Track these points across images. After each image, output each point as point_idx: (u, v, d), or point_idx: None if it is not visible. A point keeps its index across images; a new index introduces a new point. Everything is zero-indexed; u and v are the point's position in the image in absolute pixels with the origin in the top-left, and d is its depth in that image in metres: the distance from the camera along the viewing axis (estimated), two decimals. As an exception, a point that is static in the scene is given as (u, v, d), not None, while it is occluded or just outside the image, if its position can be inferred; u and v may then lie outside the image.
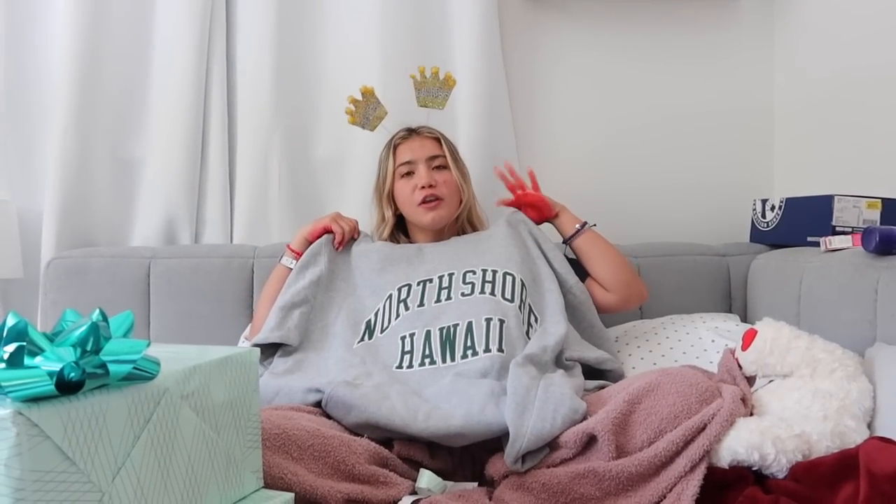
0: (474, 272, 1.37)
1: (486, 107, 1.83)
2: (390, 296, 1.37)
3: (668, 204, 1.96)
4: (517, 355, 1.18)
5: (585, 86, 1.96)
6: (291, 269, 1.45)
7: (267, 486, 0.86)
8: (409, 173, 1.49)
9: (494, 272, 1.36)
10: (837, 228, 1.49)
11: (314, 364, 1.29)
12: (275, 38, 1.79)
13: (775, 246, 1.73)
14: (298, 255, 1.46)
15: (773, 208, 1.73)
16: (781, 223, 1.69)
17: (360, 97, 1.58)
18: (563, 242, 1.51)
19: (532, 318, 1.33)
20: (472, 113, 1.82)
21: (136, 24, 1.78)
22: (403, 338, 1.28)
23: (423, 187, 1.45)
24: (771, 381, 1.16)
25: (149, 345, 0.64)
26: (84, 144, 1.73)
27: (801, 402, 1.05)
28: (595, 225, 1.52)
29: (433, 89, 1.61)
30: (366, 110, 1.59)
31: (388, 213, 1.52)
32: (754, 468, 0.96)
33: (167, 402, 0.68)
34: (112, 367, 0.59)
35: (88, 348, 0.59)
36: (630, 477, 0.95)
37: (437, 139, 1.53)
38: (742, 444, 0.94)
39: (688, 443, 0.95)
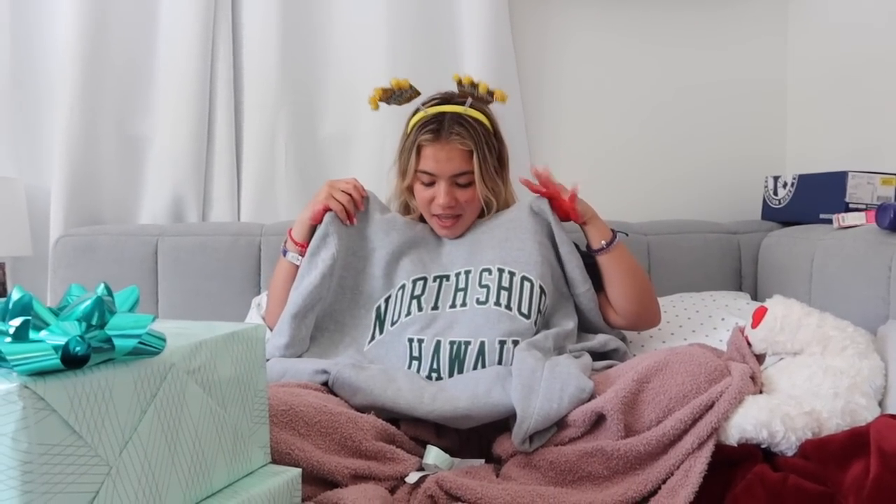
0: (490, 271, 1.27)
1: (494, 83, 1.79)
2: (403, 286, 1.29)
3: (679, 181, 1.94)
4: None
5: (596, 65, 1.93)
6: (299, 265, 1.33)
7: (274, 461, 0.86)
8: (430, 183, 1.32)
9: (512, 275, 1.26)
10: (851, 205, 1.47)
11: (324, 355, 1.27)
12: (281, 15, 1.77)
13: (787, 223, 1.71)
14: (303, 246, 1.33)
15: (785, 185, 1.70)
16: (794, 200, 1.67)
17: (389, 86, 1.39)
18: (588, 252, 1.36)
19: (545, 328, 1.27)
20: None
21: (141, 1, 1.76)
22: (412, 340, 1.22)
23: (440, 204, 1.30)
24: (781, 358, 1.15)
25: (154, 319, 0.64)
26: (91, 122, 1.72)
27: (812, 380, 1.04)
28: (626, 235, 1.42)
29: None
30: (396, 97, 1.41)
31: (405, 193, 1.38)
32: (763, 446, 0.95)
33: (173, 377, 0.67)
34: (117, 342, 0.59)
35: (94, 322, 0.59)
36: (638, 455, 0.95)
37: (470, 150, 1.29)
38: (750, 421, 0.94)
39: (695, 420, 0.94)
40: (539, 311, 1.24)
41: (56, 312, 0.61)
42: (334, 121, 1.84)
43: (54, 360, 0.55)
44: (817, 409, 0.98)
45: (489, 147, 1.30)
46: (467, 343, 1.19)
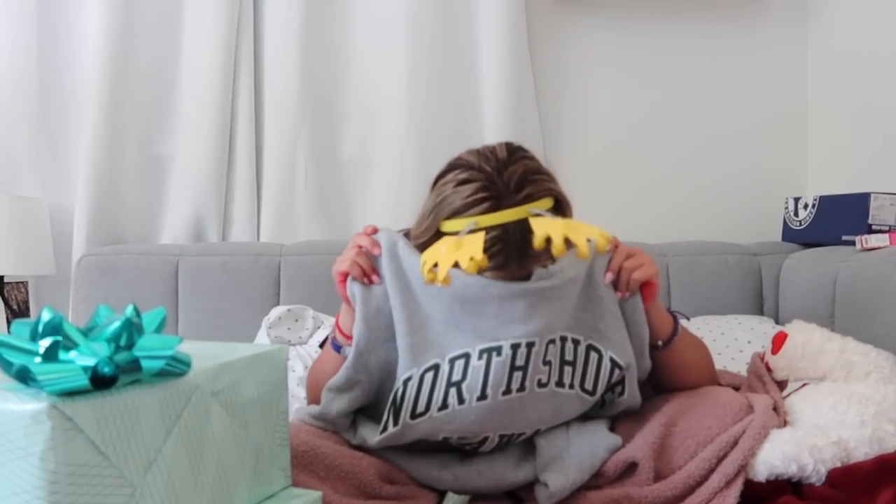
0: (554, 341, 0.96)
1: (513, 103, 1.82)
2: (437, 366, 0.95)
3: (698, 202, 1.93)
4: None
5: (614, 82, 1.94)
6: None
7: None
8: None
9: (576, 344, 0.98)
10: (874, 227, 1.46)
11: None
12: (302, 37, 1.80)
13: (808, 245, 1.70)
14: (350, 337, 1.01)
15: (806, 206, 1.69)
16: (815, 221, 1.66)
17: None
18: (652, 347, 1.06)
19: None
20: (498, 110, 1.81)
21: (165, 22, 1.79)
22: (448, 438, 0.99)
23: None
24: (804, 384, 1.13)
25: (181, 341, 0.64)
26: (114, 142, 1.75)
27: (837, 408, 1.02)
28: (688, 319, 1.19)
29: None
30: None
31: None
32: (793, 480, 0.93)
33: (198, 398, 0.68)
34: (145, 363, 0.60)
35: (122, 343, 0.59)
36: (665, 501, 0.93)
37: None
38: (778, 456, 0.92)
39: (720, 459, 0.93)
40: (608, 384, 1.00)
41: (85, 333, 0.61)
42: (354, 142, 1.86)
43: (83, 381, 0.56)
44: (844, 439, 0.97)
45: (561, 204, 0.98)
46: (520, 434, 1.00)
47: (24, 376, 0.57)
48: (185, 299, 1.64)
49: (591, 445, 0.98)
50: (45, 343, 0.58)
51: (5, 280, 1.73)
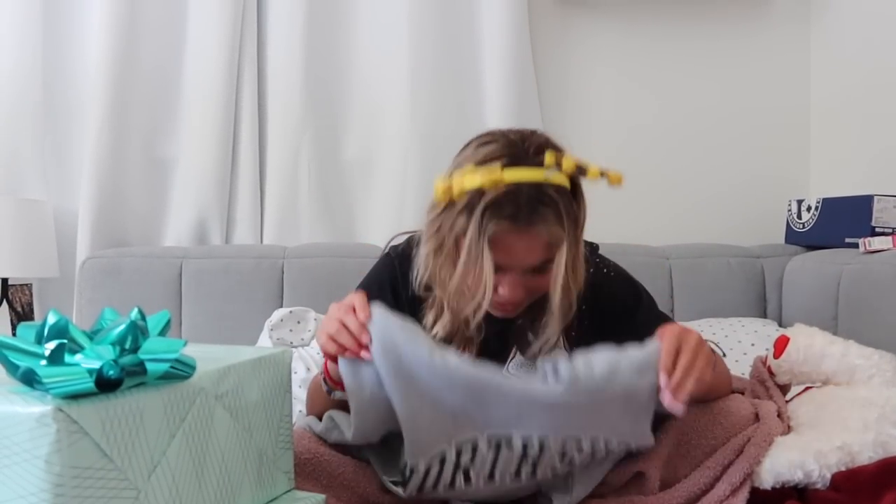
0: (579, 442, 0.90)
1: (516, 105, 1.82)
2: (443, 455, 0.89)
3: (701, 204, 1.93)
4: None
5: (617, 84, 1.94)
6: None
7: None
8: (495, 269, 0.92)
9: (607, 445, 0.91)
10: (877, 229, 1.46)
11: None
12: (305, 39, 1.80)
13: (811, 247, 1.70)
14: (338, 384, 0.94)
15: (809, 209, 1.69)
16: (818, 224, 1.66)
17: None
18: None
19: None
20: (500, 112, 1.81)
21: (169, 25, 1.80)
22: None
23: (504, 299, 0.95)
24: (807, 388, 1.13)
25: (185, 344, 0.64)
26: (118, 145, 1.75)
27: (840, 412, 1.02)
28: (724, 355, 1.09)
29: None
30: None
31: (446, 312, 0.97)
32: (799, 486, 0.93)
33: (202, 401, 0.68)
34: (150, 366, 0.60)
35: (127, 347, 0.60)
36: None
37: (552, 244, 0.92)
38: (783, 464, 0.92)
39: (726, 467, 0.93)
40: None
41: (90, 336, 0.61)
42: (357, 143, 1.86)
43: (88, 384, 0.56)
44: (848, 443, 0.96)
45: (576, 225, 0.94)
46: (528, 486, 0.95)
47: (29, 379, 0.57)
48: (189, 301, 1.64)
49: (597, 461, 0.96)
50: (50, 346, 0.58)
51: (9, 282, 1.74)
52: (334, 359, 0.89)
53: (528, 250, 0.92)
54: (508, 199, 0.89)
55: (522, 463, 0.89)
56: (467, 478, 0.89)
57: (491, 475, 0.89)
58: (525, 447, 0.88)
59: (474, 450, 0.89)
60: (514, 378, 0.92)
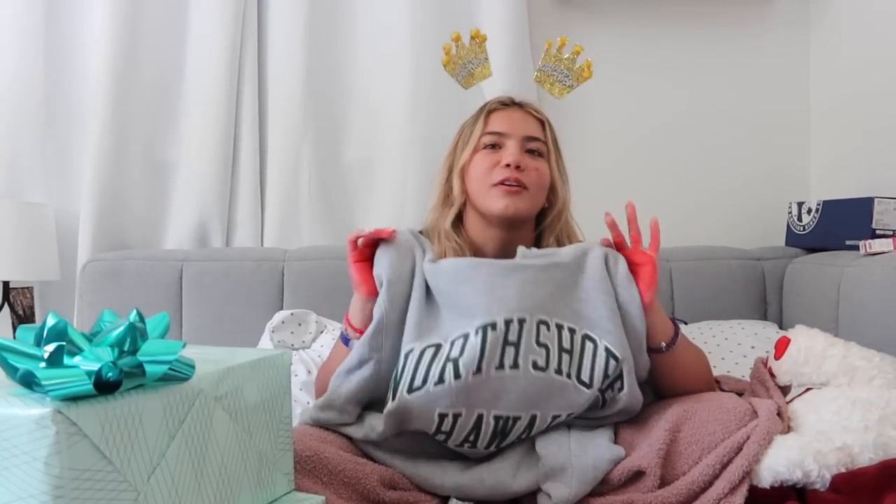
0: (548, 325, 1.00)
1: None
2: (438, 346, 1.00)
3: (702, 207, 1.93)
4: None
5: (616, 86, 1.94)
6: None
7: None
8: (496, 146, 1.14)
9: (572, 333, 1.02)
10: (878, 231, 1.46)
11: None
12: (305, 42, 1.81)
13: (812, 250, 1.69)
14: (360, 331, 1.09)
15: (809, 211, 1.69)
16: (818, 226, 1.66)
17: (466, 41, 1.24)
18: (655, 350, 1.08)
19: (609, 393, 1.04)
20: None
21: (170, 30, 1.81)
22: (444, 416, 0.98)
23: (507, 165, 1.11)
24: (807, 389, 1.13)
25: (184, 346, 0.64)
26: (119, 148, 1.76)
27: (840, 413, 1.02)
28: (685, 324, 1.23)
29: (561, 71, 1.26)
30: (468, 60, 1.23)
31: (457, 190, 1.15)
32: (798, 486, 0.93)
33: (201, 403, 0.68)
34: (148, 368, 0.60)
35: (126, 349, 0.60)
36: None
37: (543, 122, 1.19)
38: (782, 462, 0.92)
39: (725, 465, 0.93)
40: (606, 376, 1.01)
41: (90, 338, 0.62)
42: (358, 146, 1.86)
43: (87, 386, 0.56)
44: (848, 444, 0.96)
45: (557, 141, 1.21)
46: (516, 418, 0.99)
47: (28, 381, 0.57)
48: (189, 304, 1.64)
49: (594, 458, 0.97)
50: (49, 348, 0.58)
51: (11, 286, 1.74)
52: (360, 259, 1.10)
53: (523, 119, 1.17)
54: (508, 97, 1.22)
55: (505, 352, 0.97)
56: (457, 373, 0.96)
57: (478, 367, 0.96)
58: (506, 331, 0.98)
59: (465, 343, 0.98)
60: (487, 262, 1.06)
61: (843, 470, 0.93)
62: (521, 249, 1.07)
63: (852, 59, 1.80)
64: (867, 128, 1.74)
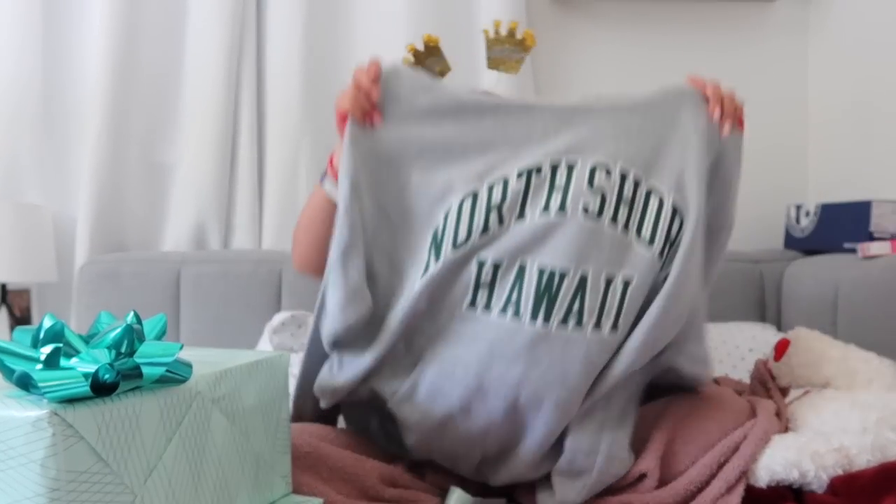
0: (609, 171, 0.90)
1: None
2: (475, 194, 0.90)
3: (699, 210, 1.93)
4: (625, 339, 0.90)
5: (614, 88, 1.94)
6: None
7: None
8: None
9: (637, 184, 0.90)
10: (875, 234, 1.46)
11: (385, 310, 0.94)
12: (304, 45, 1.81)
13: (810, 252, 1.70)
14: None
15: (807, 214, 1.69)
16: (817, 229, 1.66)
17: (421, 48, 1.26)
18: None
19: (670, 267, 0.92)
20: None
21: (168, 31, 1.80)
22: (483, 264, 0.89)
23: None
24: (806, 391, 1.13)
25: (181, 348, 0.64)
26: (117, 150, 1.76)
27: (839, 415, 1.02)
28: None
29: (507, 49, 1.27)
30: (427, 64, 1.26)
31: None
32: (795, 486, 0.93)
33: (198, 405, 0.68)
34: (145, 370, 0.60)
35: (123, 350, 0.60)
36: None
37: None
38: (779, 462, 0.92)
39: (722, 465, 0.93)
40: (667, 240, 0.91)
41: (86, 340, 0.61)
42: (355, 149, 1.86)
43: (84, 388, 0.56)
44: (846, 446, 0.96)
45: None
46: (563, 274, 0.87)
47: (25, 383, 0.57)
48: (187, 307, 1.64)
49: (615, 476, 0.94)
50: (46, 350, 0.58)
51: (8, 287, 1.74)
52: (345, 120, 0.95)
53: None
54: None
55: (551, 195, 0.88)
56: (500, 219, 0.89)
57: (521, 213, 0.89)
58: (553, 171, 0.89)
59: (505, 187, 0.90)
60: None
61: (841, 471, 0.93)
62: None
63: (851, 64, 1.80)
64: (865, 131, 1.74)
